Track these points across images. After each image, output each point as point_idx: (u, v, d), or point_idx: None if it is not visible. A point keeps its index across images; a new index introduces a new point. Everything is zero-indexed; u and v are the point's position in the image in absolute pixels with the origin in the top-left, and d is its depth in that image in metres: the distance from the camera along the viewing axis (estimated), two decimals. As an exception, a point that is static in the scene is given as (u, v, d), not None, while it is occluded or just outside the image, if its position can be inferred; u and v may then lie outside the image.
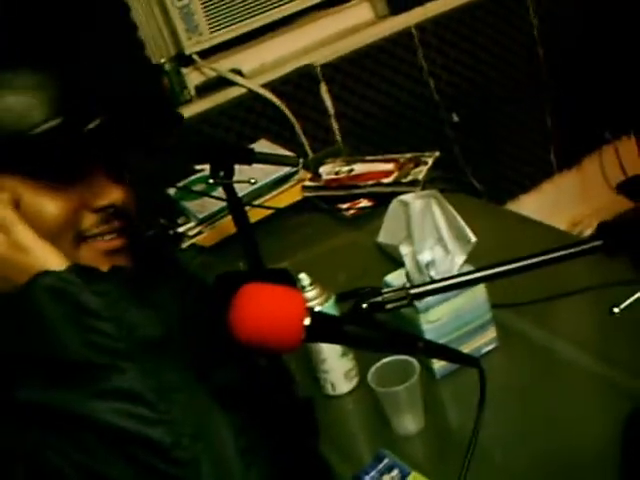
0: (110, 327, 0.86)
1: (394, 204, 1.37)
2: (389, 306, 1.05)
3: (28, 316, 0.85)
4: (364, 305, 1.03)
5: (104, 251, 0.99)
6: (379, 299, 1.04)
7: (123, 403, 0.83)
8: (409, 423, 1.34)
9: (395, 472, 1.26)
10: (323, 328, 0.94)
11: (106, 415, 0.82)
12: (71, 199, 0.95)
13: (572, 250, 1.07)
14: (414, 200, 1.34)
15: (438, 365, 1.43)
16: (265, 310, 0.90)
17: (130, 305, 0.90)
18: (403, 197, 1.36)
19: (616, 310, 0.98)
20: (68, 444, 0.83)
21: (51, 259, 0.88)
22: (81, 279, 0.87)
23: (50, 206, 0.93)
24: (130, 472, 0.82)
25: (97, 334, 0.85)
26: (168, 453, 0.83)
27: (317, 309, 1.11)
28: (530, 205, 3.24)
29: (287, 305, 0.92)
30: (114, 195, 0.98)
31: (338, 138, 2.79)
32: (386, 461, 1.29)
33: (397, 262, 1.59)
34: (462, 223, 1.35)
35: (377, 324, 1.02)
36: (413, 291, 1.06)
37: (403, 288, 1.06)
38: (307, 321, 0.91)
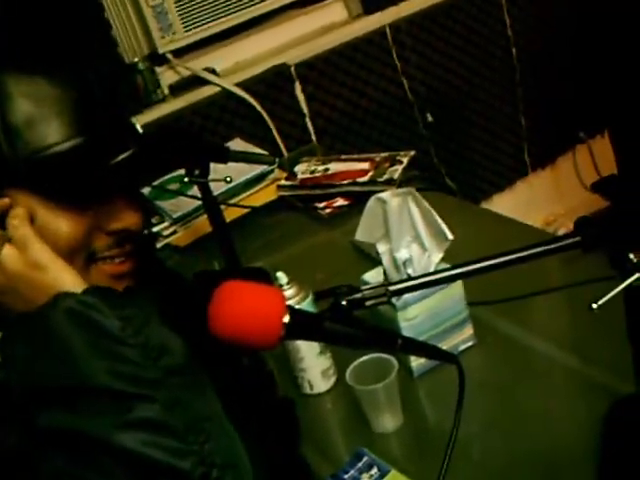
0: (135, 354, 0.83)
1: (371, 202, 1.37)
2: (368, 303, 1.05)
3: (47, 339, 0.82)
4: (343, 302, 1.03)
5: (112, 274, 0.96)
6: (358, 296, 1.04)
7: (150, 433, 0.80)
8: (387, 421, 1.34)
9: (374, 470, 1.26)
10: (302, 325, 0.94)
11: (132, 444, 0.79)
12: (86, 220, 0.91)
13: (550, 246, 1.08)
14: (391, 198, 1.34)
15: (415, 363, 1.43)
16: (245, 307, 0.89)
17: (154, 331, 0.87)
18: (380, 195, 1.36)
19: (595, 306, 0.98)
20: (89, 470, 0.80)
21: (69, 279, 0.86)
22: (103, 302, 0.84)
23: (64, 226, 0.89)
24: None
25: (122, 362, 0.82)
26: None
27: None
28: (504, 204, 3.25)
29: (267, 302, 0.91)
30: (130, 220, 0.94)
31: (313, 137, 2.78)
32: (365, 459, 1.28)
33: (374, 261, 1.59)
34: (439, 221, 1.35)
35: (356, 321, 1.01)
36: (392, 288, 1.06)
37: (382, 285, 1.06)
38: (286, 318, 0.91)
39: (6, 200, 0.87)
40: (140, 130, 1.00)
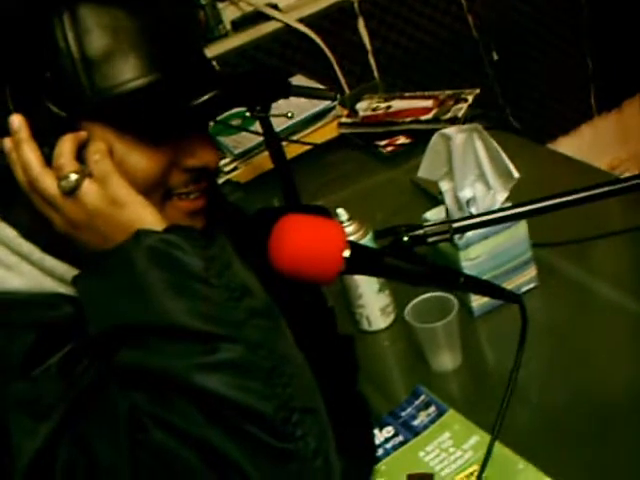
0: (219, 295, 0.82)
1: (435, 138, 1.34)
2: (430, 239, 1.03)
3: (128, 276, 0.81)
4: (405, 238, 1.02)
5: (188, 211, 0.94)
6: (420, 232, 1.03)
7: (234, 376, 0.79)
8: (446, 360, 1.33)
9: (432, 409, 1.26)
10: (363, 259, 0.93)
11: (215, 386, 0.78)
12: (164, 156, 0.89)
13: (617, 186, 1.05)
14: (456, 134, 1.31)
15: (476, 303, 1.42)
16: (306, 239, 0.89)
17: (237, 271, 0.85)
18: (445, 131, 1.32)
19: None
20: (168, 410, 0.79)
21: (149, 216, 0.85)
22: (186, 241, 0.83)
23: (142, 161, 0.88)
24: (231, 440, 0.78)
25: (206, 302, 0.81)
26: (278, 428, 0.79)
27: (356, 243, 1.09)
28: (568, 147, 3.19)
29: (328, 236, 0.91)
30: (207, 157, 0.93)
31: (375, 75, 2.74)
32: (423, 397, 1.28)
33: (435, 200, 1.57)
34: (505, 158, 1.32)
35: (417, 257, 1.00)
36: (455, 225, 1.04)
37: (446, 222, 1.04)
38: (347, 253, 0.90)
39: (83, 133, 0.85)
40: (217, 68, 0.98)
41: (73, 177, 0.83)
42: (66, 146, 0.84)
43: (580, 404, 1.22)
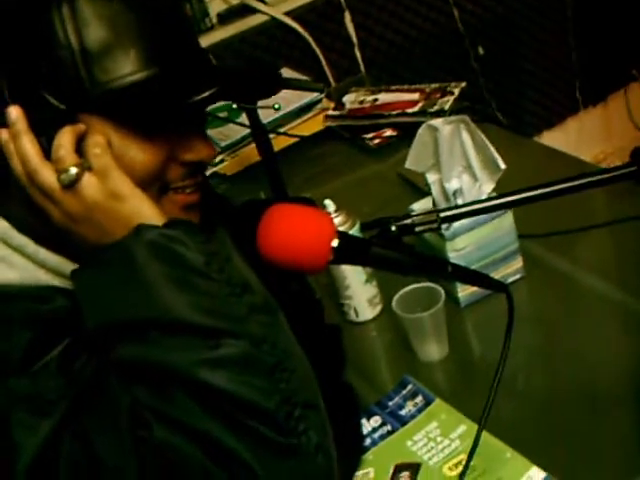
0: (220, 290, 0.81)
1: (422, 129, 1.34)
2: (418, 229, 1.04)
3: (128, 271, 0.81)
4: (393, 227, 1.02)
5: (184, 205, 0.94)
6: (408, 222, 1.04)
7: (237, 371, 0.78)
8: (433, 350, 1.34)
9: (419, 398, 1.26)
10: (351, 249, 0.93)
11: (218, 381, 0.78)
12: (161, 149, 0.88)
13: (602, 177, 1.06)
14: (443, 125, 1.32)
15: (463, 294, 1.43)
16: (295, 228, 0.89)
17: (237, 266, 0.85)
18: (432, 122, 1.33)
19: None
20: (170, 405, 0.78)
21: (148, 210, 0.84)
22: (186, 235, 0.83)
23: (140, 154, 0.87)
24: (235, 435, 0.77)
25: (208, 296, 0.81)
26: (281, 423, 0.79)
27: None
28: (554, 141, 3.19)
29: (316, 225, 0.91)
30: (204, 151, 0.92)
31: (362, 68, 2.74)
32: (410, 387, 1.29)
33: (422, 193, 1.57)
34: (492, 149, 1.32)
35: (405, 247, 1.01)
36: (443, 214, 1.05)
37: (433, 211, 1.05)
38: (335, 242, 0.91)
39: (82, 126, 0.84)
40: (215, 62, 0.98)
41: (73, 170, 0.82)
42: (65, 138, 0.83)
43: (566, 393, 1.23)
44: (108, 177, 0.83)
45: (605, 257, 1.55)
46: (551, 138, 3.25)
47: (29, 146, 0.83)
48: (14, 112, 0.83)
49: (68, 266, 0.88)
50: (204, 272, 0.82)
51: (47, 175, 0.83)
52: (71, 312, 0.85)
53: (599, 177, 1.05)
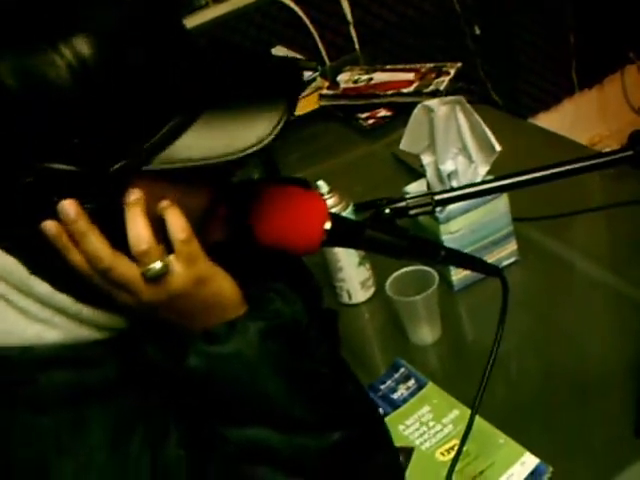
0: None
1: (418, 110, 1.32)
2: (412, 212, 1.03)
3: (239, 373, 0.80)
4: (387, 210, 1.01)
5: (224, 216, 0.87)
6: (402, 205, 1.02)
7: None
8: (426, 333, 1.33)
9: (411, 382, 1.26)
10: (344, 232, 0.92)
11: None
12: (210, 183, 0.81)
13: (597, 160, 1.05)
14: (439, 106, 1.30)
15: (456, 277, 1.42)
16: (287, 210, 0.88)
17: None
18: (428, 103, 1.31)
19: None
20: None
21: (228, 288, 0.80)
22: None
23: (195, 200, 0.79)
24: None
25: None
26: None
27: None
28: (549, 123, 3.18)
29: (309, 207, 0.90)
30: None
31: (356, 47, 2.72)
32: (402, 370, 1.28)
33: (416, 174, 1.56)
34: (487, 131, 1.30)
35: (399, 230, 0.99)
36: (437, 197, 1.03)
37: (427, 194, 1.04)
38: (328, 225, 0.89)
39: (142, 199, 0.74)
40: None
41: (159, 265, 0.74)
42: (141, 225, 0.73)
43: (559, 377, 1.22)
44: (195, 264, 0.77)
45: (600, 241, 1.54)
46: (547, 120, 3.23)
47: (99, 246, 0.73)
48: (72, 208, 0.71)
49: (112, 319, 0.82)
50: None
51: (125, 270, 0.74)
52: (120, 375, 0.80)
53: (595, 161, 1.04)
